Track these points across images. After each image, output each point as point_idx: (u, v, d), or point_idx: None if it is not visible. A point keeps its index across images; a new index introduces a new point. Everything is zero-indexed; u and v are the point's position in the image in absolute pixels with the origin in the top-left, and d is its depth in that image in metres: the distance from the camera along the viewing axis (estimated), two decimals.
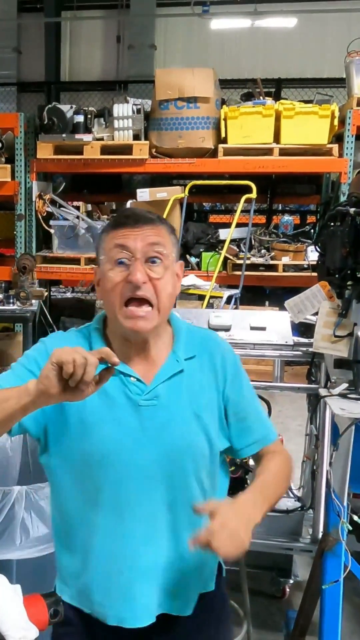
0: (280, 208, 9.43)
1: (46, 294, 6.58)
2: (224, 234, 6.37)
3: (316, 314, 2.61)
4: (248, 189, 5.20)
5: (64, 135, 6.17)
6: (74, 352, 1.19)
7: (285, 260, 6.36)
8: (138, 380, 1.43)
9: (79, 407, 1.38)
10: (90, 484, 1.42)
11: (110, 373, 1.25)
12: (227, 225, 6.69)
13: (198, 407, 1.44)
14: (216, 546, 1.25)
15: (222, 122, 5.96)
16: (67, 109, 6.28)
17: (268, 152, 6.04)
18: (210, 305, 5.07)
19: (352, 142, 5.97)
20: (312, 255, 5.96)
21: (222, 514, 1.28)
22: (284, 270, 6.33)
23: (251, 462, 3.07)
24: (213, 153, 6.14)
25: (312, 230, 7.29)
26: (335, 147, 5.95)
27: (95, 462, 1.40)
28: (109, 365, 1.24)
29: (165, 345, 1.48)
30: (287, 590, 3.10)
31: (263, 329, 2.99)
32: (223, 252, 5.52)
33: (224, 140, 6.03)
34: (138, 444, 1.40)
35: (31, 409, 1.27)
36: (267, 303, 7.27)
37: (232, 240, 6.08)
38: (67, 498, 1.48)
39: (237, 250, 6.36)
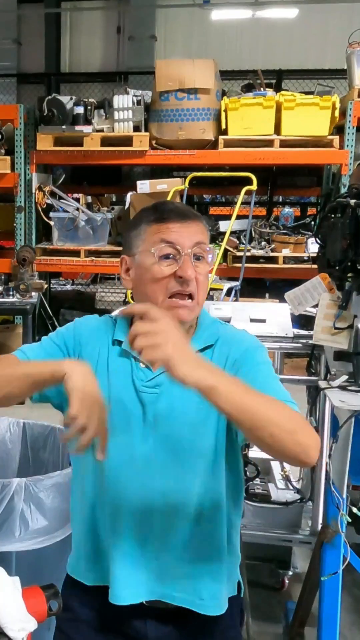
0: (280, 200, 9.41)
1: (46, 286, 6.59)
2: (224, 226, 6.36)
3: (316, 306, 2.61)
4: (248, 181, 5.19)
5: (63, 126, 6.15)
6: (87, 416, 1.26)
7: (286, 252, 6.35)
8: (147, 367, 1.44)
9: None
10: (91, 460, 1.43)
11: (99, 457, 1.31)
12: (227, 217, 6.68)
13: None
14: (136, 343, 1.19)
15: (223, 114, 5.94)
16: (67, 100, 6.26)
17: (269, 143, 6.02)
18: (210, 298, 5.07)
19: (352, 133, 5.96)
20: (313, 247, 5.95)
21: (161, 323, 1.21)
22: (284, 263, 6.32)
23: (250, 453, 3.09)
24: (213, 145, 6.12)
25: (312, 222, 7.28)
26: (336, 139, 5.94)
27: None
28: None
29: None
30: (287, 581, 3.11)
31: (263, 321, 2.99)
32: (223, 244, 5.52)
33: (225, 132, 6.01)
34: (136, 429, 1.42)
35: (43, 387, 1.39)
36: (267, 295, 7.25)
37: (233, 232, 6.07)
38: (76, 470, 1.55)
39: (238, 242, 6.35)
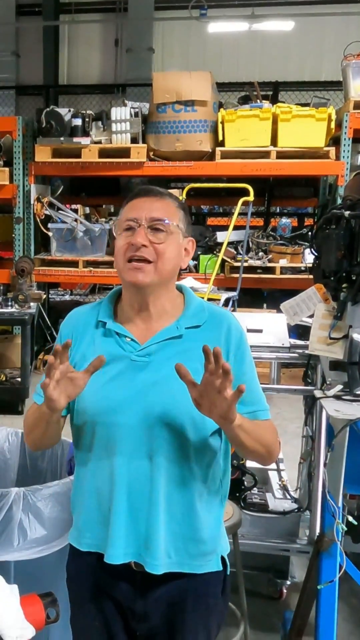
0: (277, 211, 9.44)
1: (44, 296, 6.61)
2: (222, 236, 6.39)
3: (312, 316, 2.63)
4: (245, 192, 5.22)
5: (62, 138, 6.20)
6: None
7: (283, 262, 6.38)
8: (132, 340, 1.56)
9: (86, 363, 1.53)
10: (87, 428, 1.57)
11: (99, 361, 1.44)
12: (224, 228, 6.70)
13: (191, 371, 1.46)
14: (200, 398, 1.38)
15: (220, 125, 5.99)
16: (65, 112, 6.31)
17: (265, 155, 6.07)
18: None
19: (348, 145, 6.01)
20: (310, 257, 5.95)
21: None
22: (281, 273, 6.35)
23: (248, 463, 3.10)
24: (210, 156, 6.17)
25: (309, 233, 7.30)
26: (332, 150, 5.99)
27: (90, 409, 1.54)
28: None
29: (171, 315, 1.59)
30: (284, 591, 3.11)
31: (260, 331, 3.01)
32: (221, 255, 5.53)
33: (222, 144, 6.06)
34: (128, 396, 1.51)
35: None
36: (265, 305, 7.28)
37: (230, 243, 6.10)
38: (75, 443, 1.65)
39: (235, 252, 6.38)
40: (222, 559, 1.63)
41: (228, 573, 1.66)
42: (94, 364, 1.44)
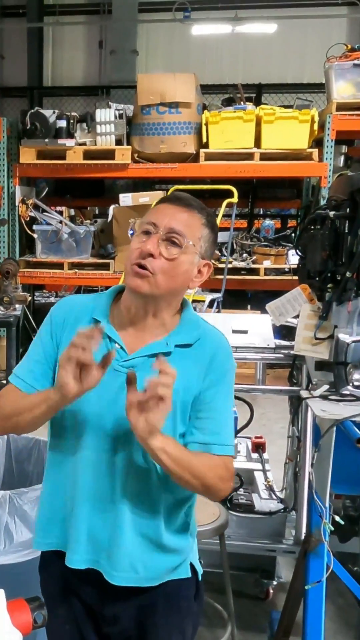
0: (261, 212, 9.46)
1: (30, 298, 6.57)
2: None
3: (297, 316, 2.64)
4: (229, 194, 5.24)
5: (46, 140, 6.18)
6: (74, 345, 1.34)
7: (267, 264, 6.39)
8: (121, 348, 1.49)
9: None
10: (60, 428, 1.54)
11: (111, 355, 1.37)
12: None
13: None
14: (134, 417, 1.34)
15: (204, 127, 5.99)
16: (49, 114, 6.29)
17: (249, 156, 6.08)
18: (193, 310, 5.08)
19: (331, 146, 6.04)
20: (293, 258, 5.99)
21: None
22: (265, 274, 6.36)
23: (235, 464, 3.10)
24: (195, 158, 6.17)
25: (293, 234, 7.34)
26: (315, 152, 6.01)
27: (68, 412, 1.50)
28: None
29: (164, 329, 1.52)
30: (271, 591, 3.12)
31: (245, 332, 3.02)
32: None
33: (206, 145, 6.06)
34: (103, 406, 1.47)
35: (58, 409, 1.43)
36: (249, 306, 7.30)
37: None
38: (49, 443, 1.61)
39: (219, 254, 6.38)
40: (192, 565, 1.60)
41: (200, 579, 1.64)
42: (106, 357, 1.36)
